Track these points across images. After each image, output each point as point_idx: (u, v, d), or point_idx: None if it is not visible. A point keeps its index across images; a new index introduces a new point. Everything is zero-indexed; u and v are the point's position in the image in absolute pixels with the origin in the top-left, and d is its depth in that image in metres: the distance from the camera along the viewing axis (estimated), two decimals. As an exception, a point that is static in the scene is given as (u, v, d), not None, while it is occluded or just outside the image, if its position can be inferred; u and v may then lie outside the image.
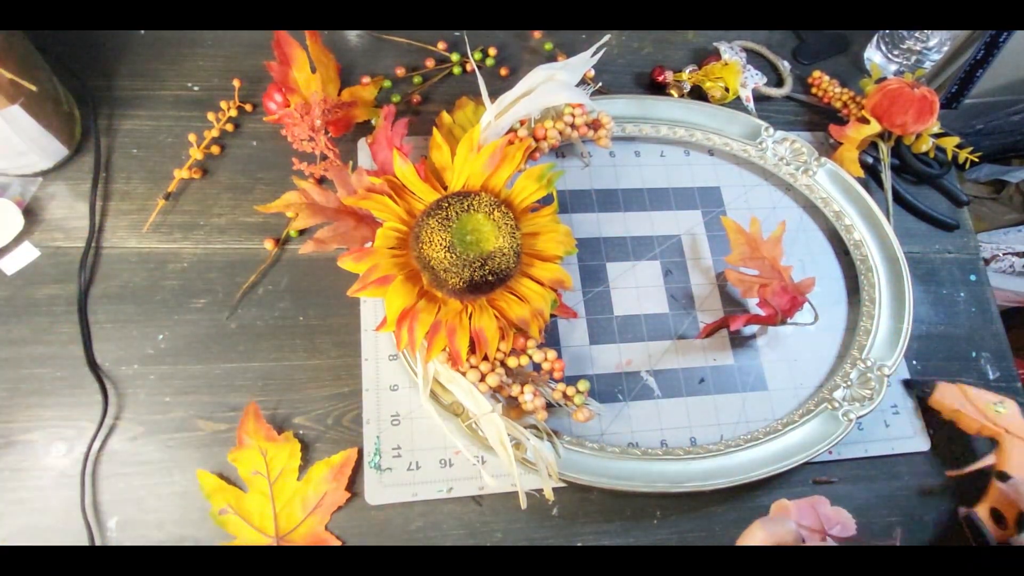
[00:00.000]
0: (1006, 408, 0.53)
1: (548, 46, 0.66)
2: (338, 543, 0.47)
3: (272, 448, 0.48)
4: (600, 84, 0.63)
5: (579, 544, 0.49)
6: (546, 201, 0.54)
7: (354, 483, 0.48)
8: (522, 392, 0.49)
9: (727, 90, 0.64)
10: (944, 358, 0.59)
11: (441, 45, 0.64)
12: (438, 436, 0.50)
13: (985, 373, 0.59)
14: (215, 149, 0.56)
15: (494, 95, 0.53)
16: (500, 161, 0.51)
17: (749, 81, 0.65)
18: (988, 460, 0.52)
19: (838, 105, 0.67)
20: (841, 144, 0.63)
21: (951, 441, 0.56)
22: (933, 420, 0.56)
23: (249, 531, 0.46)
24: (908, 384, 0.57)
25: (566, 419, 0.52)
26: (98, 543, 0.45)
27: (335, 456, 0.48)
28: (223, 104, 0.57)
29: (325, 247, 0.49)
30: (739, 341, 0.57)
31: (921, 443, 0.55)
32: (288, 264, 0.54)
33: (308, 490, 0.47)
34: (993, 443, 0.52)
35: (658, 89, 0.66)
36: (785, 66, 0.69)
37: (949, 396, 0.54)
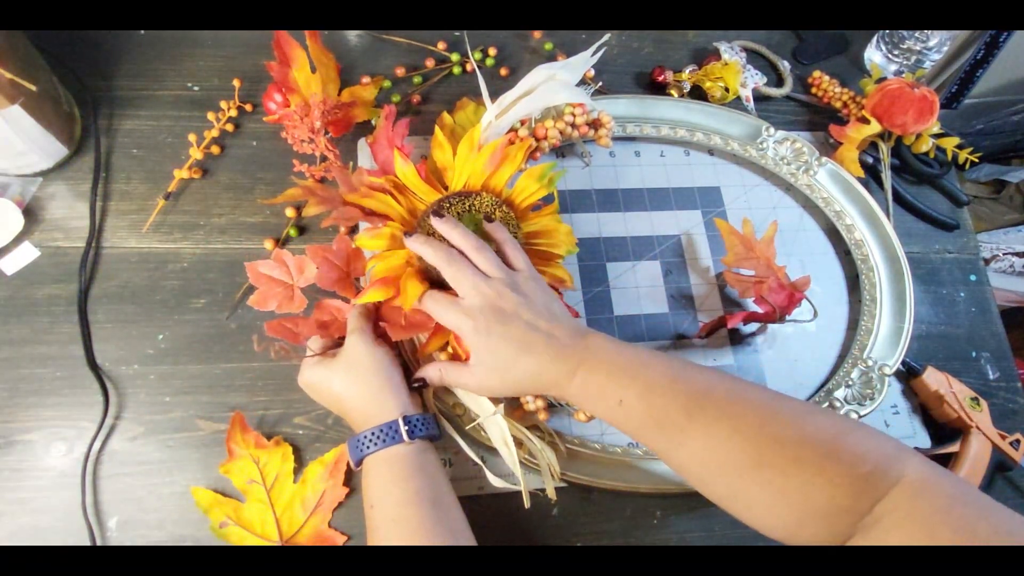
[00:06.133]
0: (981, 406, 0.54)
1: (548, 46, 0.66)
2: (344, 539, 0.47)
3: (264, 455, 0.47)
4: (600, 84, 0.63)
5: (579, 544, 0.49)
6: (547, 201, 0.54)
7: (352, 478, 0.48)
8: (522, 392, 0.49)
9: (727, 90, 0.64)
10: (944, 358, 0.59)
11: (441, 45, 0.63)
12: (438, 436, 0.50)
13: (985, 373, 0.59)
14: (215, 149, 0.56)
15: (494, 95, 0.53)
16: (501, 161, 0.51)
17: (749, 81, 0.65)
18: (952, 448, 0.53)
19: (838, 105, 0.67)
20: (841, 144, 0.63)
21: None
22: (910, 402, 0.57)
23: (253, 540, 0.46)
24: (904, 365, 0.57)
25: (567, 419, 0.52)
26: (98, 543, 0.45)
27: (328, 454, 0.48)
28: (223, 104, 0.57)
29: (348, 222, 0.50)
30: (739, 341, 0.57)
31: (921, 442, 0.55)
32: (288, 264, 0.54)
33: (306, 491, 0.47)
34: (958, 433, 0.54)
35: (658, 89, 0.66)
36: (785, 66, 0.69)
37: (935, 381, 0.55)
